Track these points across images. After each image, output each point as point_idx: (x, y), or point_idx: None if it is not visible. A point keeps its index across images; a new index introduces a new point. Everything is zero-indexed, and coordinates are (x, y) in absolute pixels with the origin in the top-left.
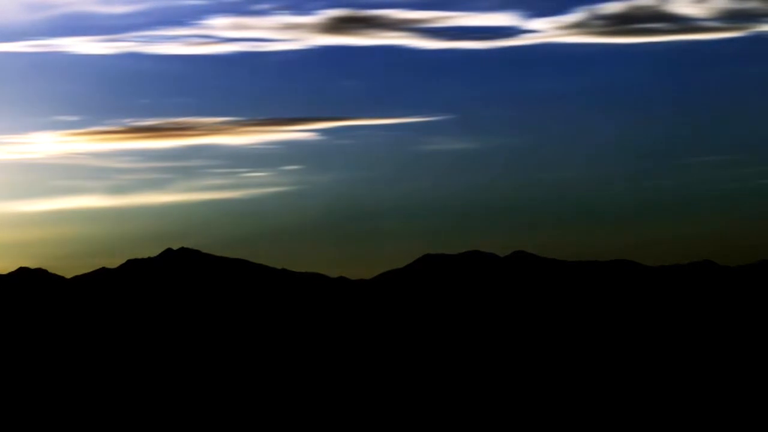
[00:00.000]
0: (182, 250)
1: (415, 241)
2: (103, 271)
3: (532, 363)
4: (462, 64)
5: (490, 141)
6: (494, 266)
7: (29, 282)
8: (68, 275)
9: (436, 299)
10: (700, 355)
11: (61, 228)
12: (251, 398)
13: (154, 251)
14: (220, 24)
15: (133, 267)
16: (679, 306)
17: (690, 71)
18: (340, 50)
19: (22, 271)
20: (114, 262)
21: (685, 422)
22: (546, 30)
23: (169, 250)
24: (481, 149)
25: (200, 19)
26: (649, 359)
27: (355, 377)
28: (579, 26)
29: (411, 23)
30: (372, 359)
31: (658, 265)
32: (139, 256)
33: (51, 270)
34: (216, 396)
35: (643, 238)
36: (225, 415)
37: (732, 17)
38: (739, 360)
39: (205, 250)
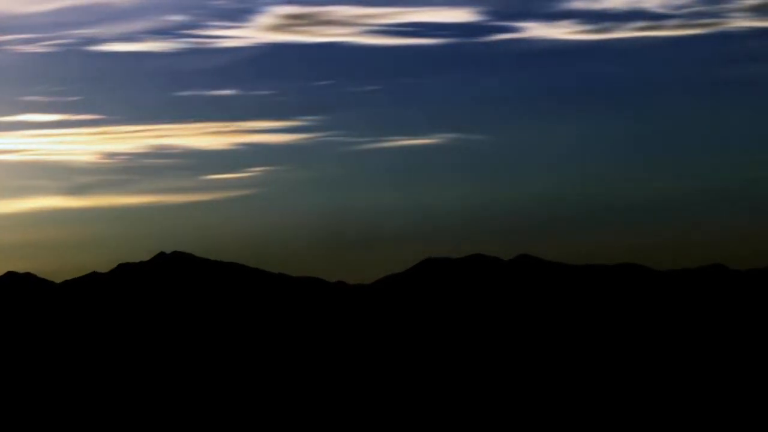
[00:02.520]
0: (175, 253)
1: (416, 244)
2: (93, 276)
3: (537, 370)
4: (431, 61)
5: (486, 141)
6: (498, 270)
7: (17, 287)
8: (57, 280)
9: (438, 304)
10: (711, 362)
11: (42, 230)
12: (249, 406)
13: (145, 255)
14: (171, 21)
15: (125, 271)
16: (688, 311)
17: (682, 68)
18: (290, 48)
19: (10, 276)
20: (105, 266)
21: (693, 427)
22: (511, 27)
23: (161, 254)
24: (478, 149)
25: (151, 15)
26: (657, 365)
27: (354, 385)
28: (547, 23)
29: (362, 19)
30: (372, 366)
31: (666, 269)
32: (130, 260)
33: (40, 274)
34: (213, 404)
35: (652, 241)
36: (222, 423)
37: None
38: (751, 366)
39: (198, 254)
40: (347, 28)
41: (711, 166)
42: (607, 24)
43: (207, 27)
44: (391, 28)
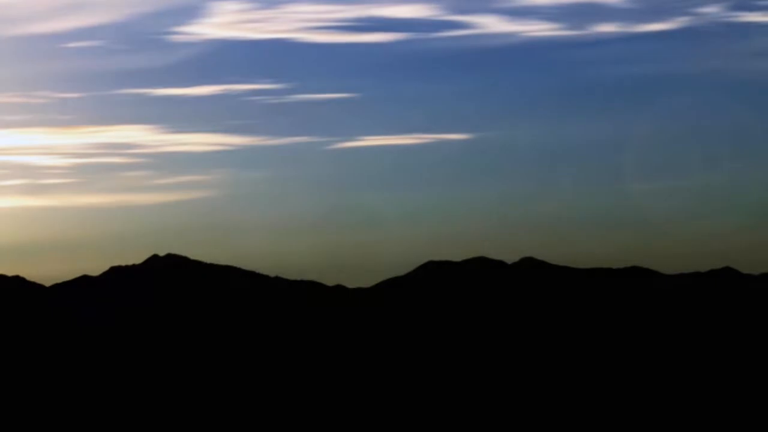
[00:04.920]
0: (169, 256)
1: (417, 246)
2: (85, 279)
3: (542, 375)
4: (392, 58)
5: (486, 140)
6: (502, 273)
7: (7, 290)
8: (47, 283)
9: (440, 308)
10: (721, 367)
11: (19, 230)
12: (246, 411)
13: (137, 257)
14: (136, 19)
15: (117, 274)
16: (697, 315)
17: (675, 64)
18: (257, 45)
19: None
20: (95, 269)
21: (700, 429)
22: (469, 23)
23: (155, 257)
24: (478, 148)
25: (114, 14)
26: (666, 371)
27: (355, 391)
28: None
29: (319, 14)
30: (372, 371)
31: (675, 273)
32: (122, 263)
33: (29, 278)
34: (209, 408)
35: (660, 244)
36: (218, 426)
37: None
38: (762, 371)
39: (193, 257)
40: (304, 24)
41: (719, 167)
42: (574, 21)
43: (169, 24)
44: (348, 24)
